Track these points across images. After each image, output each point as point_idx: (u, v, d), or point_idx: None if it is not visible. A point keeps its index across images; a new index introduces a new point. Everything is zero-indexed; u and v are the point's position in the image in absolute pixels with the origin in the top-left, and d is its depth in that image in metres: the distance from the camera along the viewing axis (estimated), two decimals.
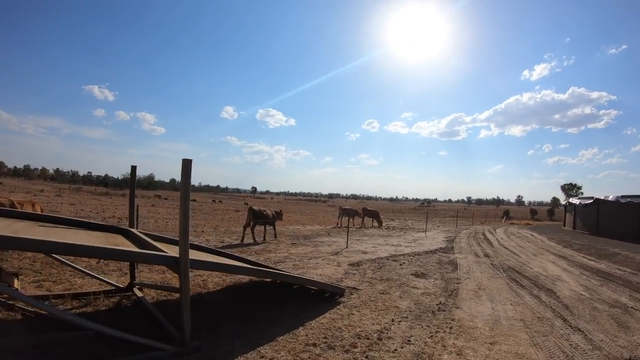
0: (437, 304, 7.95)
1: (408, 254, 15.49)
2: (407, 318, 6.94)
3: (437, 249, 17.31)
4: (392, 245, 18.36)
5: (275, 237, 18.68)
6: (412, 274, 11.05)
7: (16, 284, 7.04)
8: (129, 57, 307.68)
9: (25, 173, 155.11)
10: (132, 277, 7.65)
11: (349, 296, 8.20)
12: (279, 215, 20.23)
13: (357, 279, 10.12)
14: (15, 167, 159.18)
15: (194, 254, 6.97)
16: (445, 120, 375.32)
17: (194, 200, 72.13)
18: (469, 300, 8.48)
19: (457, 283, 10.17)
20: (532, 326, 6.88)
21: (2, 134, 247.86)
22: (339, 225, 29.04)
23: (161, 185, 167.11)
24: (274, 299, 7.74)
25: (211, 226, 23.22)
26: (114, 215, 25.91)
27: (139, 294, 7.21)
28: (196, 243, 9.80)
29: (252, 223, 17.82)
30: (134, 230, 7.45)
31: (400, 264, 12.71)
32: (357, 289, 8.88)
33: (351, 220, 30.05)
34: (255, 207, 18.81)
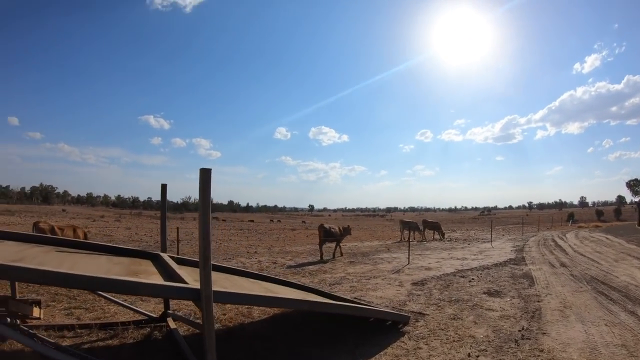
0: (519, 330, 6.66)
1: (476, 268, 14.10)
2: (486, 351, 5.72)
3: (506, 261, 15.76)
4: (457, 258, 16.97)
5: (334, 256, 17.64)
6: (484, 293, 9.72)
7: (36, 312, 6.37)
8: (180, 85, 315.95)
9: (88, 200, 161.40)
10: (167, 306, 6.85)
11: (414, 324, 7.02)
12: (347, 231, 19.57)
13: (422, 301, 8.92)
14: (78, 195, 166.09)
15: (230, 281, 6.05)
16: (499, 124, 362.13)
17: (252, 221, 72.23)
18: (555, 322, 7.13)
19: (538, 301, 8.75)
20: (637, 354, 5.54)
21: (66, 165, 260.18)
22: (400, 240, 27.69)
23: (220, 207, 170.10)
24: (326, 330, 6.72)
25: (265, 246, 22.48)
26: (167, 238, 25.49)
27: (172, 324, 6.39)
28: (237, 267, 8.82)
29: (323, 241, 17.71)
30: (164, 255, 6.61)
31: (469, 281, 11.37)
32: (424, 314, 7.68)
33: (412, 233, 28.89)
34: (325, 225, 18.56)
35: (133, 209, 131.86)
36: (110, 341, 5.82)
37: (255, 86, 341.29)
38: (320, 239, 17.78)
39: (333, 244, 18.55)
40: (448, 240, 27.70)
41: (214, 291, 4.07)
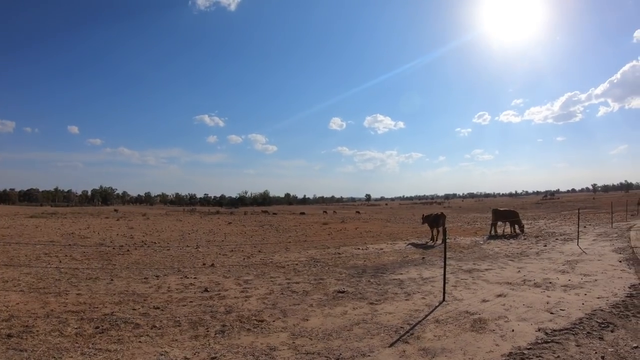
0: None
1: (582, 321, 6.30)
2: None
3: (633, 293, 7.85)
4: (536, 284, 9.06)
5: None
6: None
7: None
8: (231, 83, 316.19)
9: (147, 199, 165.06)
10: None
11: None
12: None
13: None
14: (138, 194, 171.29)
15: None
16: (558, 101, 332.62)
17: (303, 213, 65.94)
18: None
19: None
20: None
21: (127, 168, 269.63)
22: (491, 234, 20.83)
23: (276, 200, 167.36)
24: None
25: (254, 250, 15.11)
26: (144, 241, 19.36)
27: None
28: None
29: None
30: None
31: None
32: None
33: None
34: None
35: (190, 205, 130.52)
36: None
37: (305, 77, 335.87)
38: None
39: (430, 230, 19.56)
40: (513, 239, 19.10)
41: None
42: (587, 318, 6.43)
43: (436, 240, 18.33)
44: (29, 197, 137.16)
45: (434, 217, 19.52)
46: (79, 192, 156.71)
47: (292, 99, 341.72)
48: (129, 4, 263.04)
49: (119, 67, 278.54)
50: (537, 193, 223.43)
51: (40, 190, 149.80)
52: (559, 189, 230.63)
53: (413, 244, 17.66)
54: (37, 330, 6.25)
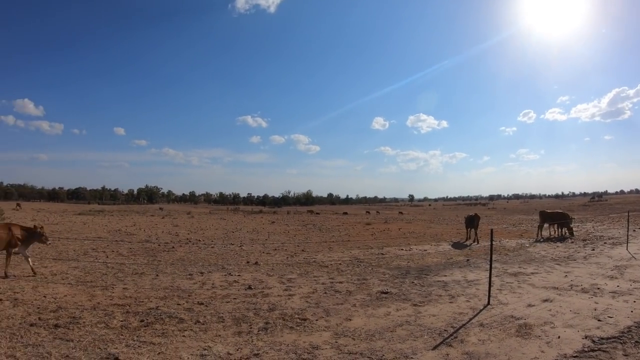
0: None
1: (629, 329, 6.15)
2: None
3: None
4: (583, 289, 8.82)
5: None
6: None
7: None
8: (273, 83, 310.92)
9: (191, 198, 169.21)
10: None
11: None
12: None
13: None
14: (182, 193, 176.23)
15: None
16: (606, 98, 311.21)
17: (346, 213, 65.97)
18: None
19: None
20: None
21: (172, 167, 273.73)
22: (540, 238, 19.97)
23: (319, 200, 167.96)
24: None
25: (299, 249, 15.49)
26: (189, 239, 19.84)
27: None
28: None
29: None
30: None
31: None
32: None
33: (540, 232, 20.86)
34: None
35: (233, 204, 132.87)
36: None
37: (347, 77, 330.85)
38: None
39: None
40: (560, 242, 18.54)
41: None
42: (635, 326, 6.25)
43: (473, 240, 19.21)
44: (77, 195, 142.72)
45: (469, 217, 20.94)
46: (125, 191, 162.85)
47: (334, 99, 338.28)
48: (174, 6, 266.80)
49: (163, 69, 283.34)
50: (585, 194, 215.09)
51: (88, 189, 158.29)
52: (607, 191, 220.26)
53: (457, 246, 17.55)
54: (84, 322, 6.57)
